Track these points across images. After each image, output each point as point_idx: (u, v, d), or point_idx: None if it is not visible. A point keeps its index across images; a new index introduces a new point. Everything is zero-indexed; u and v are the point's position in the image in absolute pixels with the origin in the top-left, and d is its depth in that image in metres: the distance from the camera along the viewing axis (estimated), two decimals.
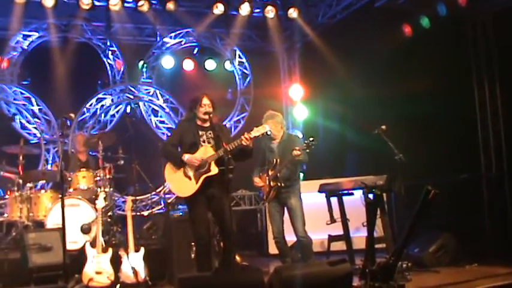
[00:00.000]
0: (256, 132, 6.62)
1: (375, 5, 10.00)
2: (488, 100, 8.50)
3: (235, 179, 6.82)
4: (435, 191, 5.41)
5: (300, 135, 12.24)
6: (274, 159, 7.73)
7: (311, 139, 7.65)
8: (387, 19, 9.80)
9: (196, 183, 6.61)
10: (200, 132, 6.78)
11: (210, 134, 6.79)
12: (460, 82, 8.78)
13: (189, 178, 6.65)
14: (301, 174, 9.72)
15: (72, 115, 7.03)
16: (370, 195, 6.77)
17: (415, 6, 9.39)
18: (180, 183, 6.73)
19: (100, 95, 12.24)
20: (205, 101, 6.79)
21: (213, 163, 6.59)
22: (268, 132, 6.82)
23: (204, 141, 6.74)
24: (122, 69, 12.41)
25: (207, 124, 6.83)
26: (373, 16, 10.14)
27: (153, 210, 11.33)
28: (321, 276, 5.36)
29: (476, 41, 8.64)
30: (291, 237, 7.84)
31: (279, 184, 7.63)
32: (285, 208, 7.74)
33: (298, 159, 7.53)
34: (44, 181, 9.81)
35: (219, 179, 6.55)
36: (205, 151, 6.66)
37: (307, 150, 7.63)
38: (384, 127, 7.73)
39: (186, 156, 6.64)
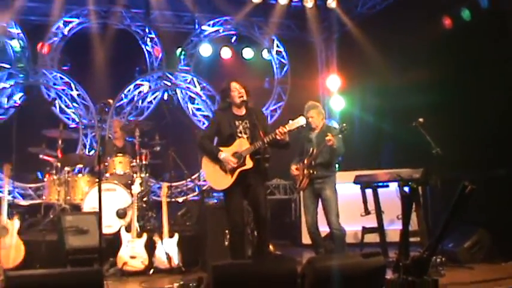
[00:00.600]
0: (291, 126, 6.58)
1: None
2: None
3: (271, 167, 6.81)
4: (472, 187, 5.34)
5: (337, 126, 12.21)
6: (311, 149, 7.73)
7: (344, 124, 7.68)
8: (427, 11, 9.69)
9: (232, 177, 6.58)
10: (237, 123, 6.71)
11: (246, 123, 6.72)
12: (500, 75, 8.62)
13: (225, 172, 6.62)
14: (336, 166, 9.70)
15: (111, 101, 7.11)
16: (406, 188, 6.71)
17: None
18: (216, 176, 6.70)
19: (138, 82, 12.36)
20: (234, 84, 6.73)
21: (248, 156, 6.56)
22: (304, 125, 6.77)
23: (240, 132, 6.69)
24: (160, 56, 12.50)
25: (243, 112, 6.77)
26: (413, 7, 10.02)
27: (188, 196, 11.43)
28: (355, 268, 5.34)
29: None
30: (325, 228, 7.83)
31: (311, 171, 7.63)
32: (320, 199, 7.73)
33: (332, 146, 7.51)
34: (81, 165, 9.95)
35: (255, 168, 6.54)
36: (241, 144, 6.63)
37: (340, 136, 7.62)
38: (421, 120, 7.65)
39: (223, 155, 6.58)
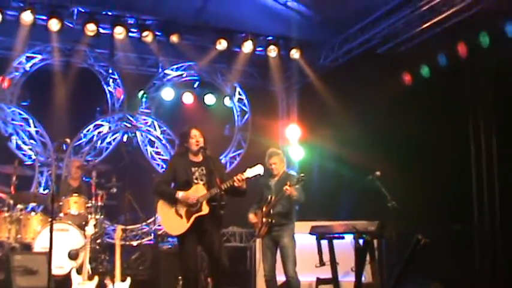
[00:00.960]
0: (249, 173, 6.63)
1: (377, 51, 10.12)
2: (484, 152, 8.52)
3: (227, 215, 6.77)
4: (425, 240, 5.40)
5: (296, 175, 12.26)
6: (269, 196, 7.73)
7: (302, 175, 7.70)
8: (388, 66, 9.91)
9: (188, 221, 6.57)
10: (193, 169, 6.72)
11: (202, 170, 6.73)
12: (457, 132, 8.81)
13: (181, 216, 6.60)
14: None
15: (68, 140, 7.02)
16: (361, 241, 6.73)
17: (416, 55, 9.50)
18: (171, 221, 6.68)
19: (98, 122, 12.26)
20: (194, 132, 6.75)
21: (204, 202, 6.55)
22: (262, 174, 6.79)
23: (196, 179, 6.70)
24: (122, 97, 12.46)
25: (200, 158, 6.79)
26: (374, 62, 10.24)
27: (143, 240, 11.27)
28: None
29: (475, 92, 8.68)
30: (280, 277, 7.78)
31: (269, 220, 7.62)
32: (278, 246, 7.70)
33: (292, 197, 7.52)
34: (35, 204, 9.77)
35: (210, 214, 6.52)
36: (197, 190, 6.62)
37: (297, 186, 7.63)
38: (378, 173, 7.74)
39: (180, 194, 6.59)
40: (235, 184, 6.48)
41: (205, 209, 6.54)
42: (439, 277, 8.11)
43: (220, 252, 6.53)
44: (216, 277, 6.69)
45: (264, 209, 7.76)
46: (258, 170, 6.69)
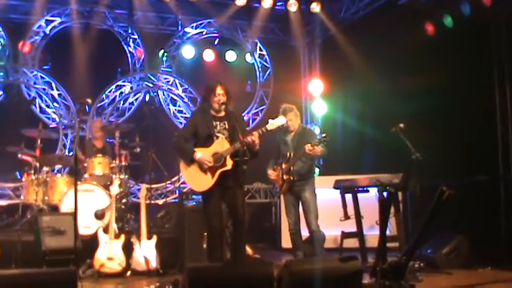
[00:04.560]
0: (271, 126, 6.58)
1: (398, 3, 9.93)
2: (508, 100, 8.38)
3: (251, 171, 6.77)
4: (450, 192, 5.33)
5: (317, 130, 12.22)
6: (288, 153, 7.70)
7: (323, 135, 7.61)
8: (410, 17, 9.72)
9: (212, 177, 6.51)
10: (214, 123, 6.65)
11: (224, 124, 6.67)
12: (481, 82, 8.66)
13: (205, 172, 6.52)
14: (317, 169, 9.69)
15: (89, 100, 7.00)
16: (385, 193, 6.71)
17: (438, 5, 9.29)
18: (195, 178, 6.61)
19: (119, 83, 12.31)
20: (219, 90, 6.65)
21: (228, 157, 6.49)
22: (285, 125, 6.74)
23: (219, 132, 6.62)
24: (142, 57, 12.46)
25: (222, 114, 6.71)
26: (396, 13, 10.08)
27: (168, 199, 11.38)
28: (331, 272, 5.32)
29: (499, 41, 8.49)
30: (305, 233, 7.83)
31: (291, 178, 7.61)
32: (299, 201, 7.72)
33: (312, 154, 7.49)
34: (60, 165, 9.87)
35: (233, 170, 6.49)
36: (221, 144, 6.55)
37: (320, 146, 7.58)
38: (401, 125, 7.67)
39: (198, 156, 6.51)
40: (253, 139, 6.39)
41: (229, 164, 6.48)
42: (464, 230, 8.11)
43: (244, 208, 6.55)
44: (238, 234, 6.69)
45: (283, 165, 7.74)
46: (281, 121, 6.68)
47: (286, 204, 7.85)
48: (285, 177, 7.66)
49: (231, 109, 6.76)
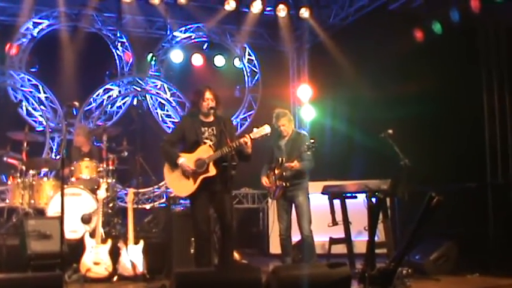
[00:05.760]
0: (255, 134, 6.59)
1: (388, 8, 9.94)
2: (496, 107, 8.42)
3: (239, 176, 6.75)
4: (439, 198, 5.35)
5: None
6: (280, 158, 7.69)
7: (312, 141, 7.60)
8: (399, 23, 9.74)
9: (194, 183, 6.57)
10: (202, 129, 6.69)
11: (212, 130, 6.70)
12: (470, 89, 8.69)
13: (187, 178, 6.60)
14: None
15: (77, 103, 6.97)
16: (373, 199, 6.70)
17: (428, 11, 9.32)
18: (178, 183, 6.68)
19: (107, 86, 12.22)
20: (208, 94, 6.69)
21: (211, 164, 6.52)
22: (269, 134, 6.73)
23: (206, 139, 6.66)
24: (131, 61, 12.39)
25: (211, 119, 6.74)
26: (386, 19, 10.08)
27: (155, 203, 11.31)
28: (319, 278, 5.31)
29: (487, 47, 8.53)
30: (294, 238, 7.85)
31: (284, 184, 7.60)
32: (293, 205, 7.70)
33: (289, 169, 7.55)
34: (47, 169, 9.79)
35: (220, 174, 6.49)
36: (205, 150, 6.59)
37: (308, 153, 7.58)
38: (390, 131, 7.67)
39: (180, 161, 6.58)
40: (242, 144, 6.43)
41: (212, 171, 6.51)
42: (453, 236, 8.11)
43: (232, 213, 6.53)
44: (226, 239, 6.67)
45: (276, 171, 7.73)
46: (266, 130, 6.65)
47: (279, 209, 7.84)
48: (277, 182, 7.67)
49: (220, 114, 6.79)
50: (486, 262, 7.82)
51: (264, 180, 7.91)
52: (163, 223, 9.08)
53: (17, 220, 8.60)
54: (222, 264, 6.68)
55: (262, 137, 6.64)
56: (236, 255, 8.05)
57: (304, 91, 13.08)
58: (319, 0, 11.89)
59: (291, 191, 7.68)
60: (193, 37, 12.84)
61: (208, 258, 6.67)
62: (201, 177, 6.53)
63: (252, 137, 6.54)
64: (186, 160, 6.56)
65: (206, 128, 6.70)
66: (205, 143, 6.63)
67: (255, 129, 6.63)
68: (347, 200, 8.27)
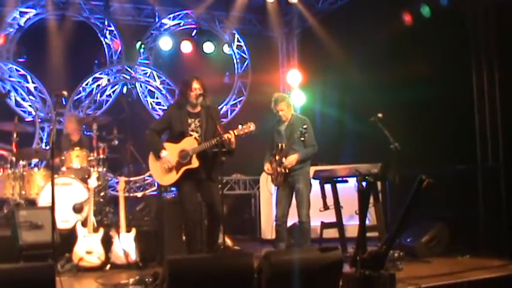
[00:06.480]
0: (240, 131, 6.66)
1: None
2: (486, 90, 8.43)
3: (230, 162, 6.75)
4: (429, 180, 5.36)
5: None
6: (280, 144, 7.68)
7: (304, 126, 7.58)
8: (388, 6, 9.73)
9: (177, 173, 6.70)
10: (189, 121, 6.77)
11: (199, 122, 6.78)
12: (459, 71, 8.70)
13: (170, 168, 6.73)
14: None
15: (65, 93, 6.92)
16: (364, 183, 6.71)
17: None
18: (160, 172, 6.81)
19: (96, 75, 12.17)
20: (196, 84, 6.75)
21: (194, 156, 6.63)
22: (254, 131, 6.73)
23: (192, 131, 6.76)
24: (119, 49, 12.33)
25: (198, 109, 6.81)
26: (374, 3, 10.05)
27: (146, 191, 11.30)
28: (311, 262, 5.31)
29: (476, 30, 8.53)
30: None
31: (283, 170, 7.59)
32: (294, 191, 7.70)
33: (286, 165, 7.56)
34: (37, 159, 9.76)
35: (211, 161, 6.54)
36: (189, 143, 6.70)
37: (302, 139, 7.57)
38: (380, 115, 7.67)
39: (163, 154, 6.73)
40: (226, 140, 6.49)
41: (195, 163, 6.65)
42: (443, 218, 8.16)
43: (219, 201, 6.55)
44: (213, 226, 6.74)
45: (277, 157, 7.72)
46: (250, 128, 6.70)
47: (279, 196, 7.80)
48: (278, 169, 7.65)
49: (207, 103, 6.82)
50: (476, 244, 7.89)
51: (266, 167, 7.89)
52: (155, 211, 9.06)
53: (8, 211, 8.57)
54: (209, 248, 6.83)
55: (246, 134, 6.68)
56: (228, 241, 8.06)
57: (293, 76, 13.06)
58: None
59: (292, 176, 7.66)
60: (181, 24, 12.79)
61: (200, 245, 6.73)
62: (183, 168, 6.66)
63: (236, 134, 6.60)
64: (168, 154, 6.71)
65: (193, 120, 6.79)
66: (191, 135, 6.74)
67: (239, 126, 6.69)
68: (338, 185, 8.29)
